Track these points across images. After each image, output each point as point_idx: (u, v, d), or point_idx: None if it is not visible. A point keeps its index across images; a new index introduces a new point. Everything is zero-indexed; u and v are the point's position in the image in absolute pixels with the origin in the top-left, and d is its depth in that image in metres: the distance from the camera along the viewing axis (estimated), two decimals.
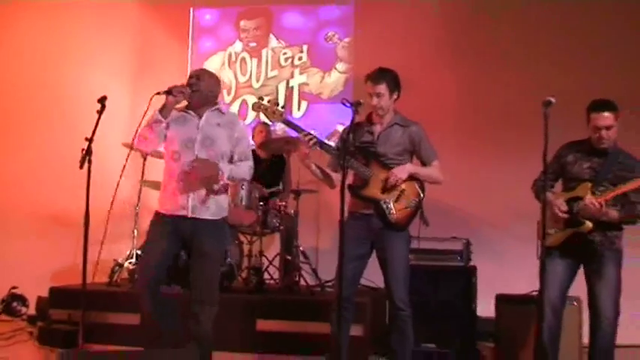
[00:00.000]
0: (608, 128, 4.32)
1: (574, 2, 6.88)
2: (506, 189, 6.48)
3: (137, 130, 4.33)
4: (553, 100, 3.88)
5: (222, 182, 4.30)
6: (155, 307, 4.31)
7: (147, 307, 4.32)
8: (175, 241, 4.36)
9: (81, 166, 4.09)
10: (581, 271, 4.51)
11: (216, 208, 4.38)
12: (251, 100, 7.34)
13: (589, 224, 4.33)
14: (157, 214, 4.42)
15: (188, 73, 7.25)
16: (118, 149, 6.00)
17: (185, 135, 4.35)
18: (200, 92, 4.35)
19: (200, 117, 4.39)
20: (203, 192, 4.31)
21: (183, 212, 4.30)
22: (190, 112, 4.41)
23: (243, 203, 6.02)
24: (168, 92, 4.23)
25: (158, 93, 4.25)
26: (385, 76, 4.53)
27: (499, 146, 6.89)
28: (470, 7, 7.16)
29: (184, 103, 4.42)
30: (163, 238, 4.33)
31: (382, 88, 4.51)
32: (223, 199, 4.46)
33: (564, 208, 4.40)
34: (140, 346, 4.40)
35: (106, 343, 5.13)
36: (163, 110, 4.26)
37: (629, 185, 4.25)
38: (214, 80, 4.54)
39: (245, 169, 4.48)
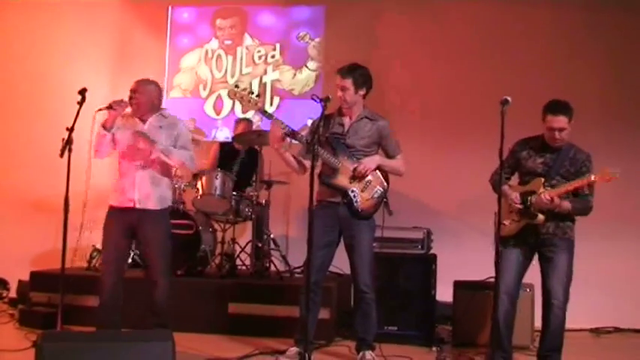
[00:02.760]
0: (561, 130, 4.39)
1: (538, 7, 7.05)
2: (465, 182, 6.59)
3: (90, 145, 4.68)
4: (509, 99, 4.10)
5: (155, 151, 4.63)
6: (114, 295, 4.70)
7: (107, 295, 4.69)
8: (125, 232, 4.73)
9: (61, 155, 4.27)
10: (535, 259, 4.59)
11: (159, 199, 4.74)
12: (226, 94, 7.30)
13: (541, 217, 4.42)
14: (110, 207, 4.78)
15: (166, 69, 7.62)
16: None
17: (131, 137, 4.71)
18: (139, 104, 4.69)
19: (144, 122, 4.76)
20: (148, 187, 4.68)
21: (130, 204, 4.67)
22: (136, 118, 4.77)
23: (217, 193, 6.12)
24: (109, 107, 4.55)
25: (100, 109, 4.56)
26: (353, 71, 4.68)
27: (461, 142, 6.97)
28: (437, 7, 7.26)
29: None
30: (116, 233, 4.71)
31: (348, 82, 4.67)
32: (166, 192, 4.81)
33: (518, 201, 4.48)
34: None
35: (84, 325, 5.14)
36: (106, 124, 4.62)
37: (575, 183, 4.34)
38: (153, 88, 4.80)
39: (184, 154, 4.77)
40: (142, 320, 4.74)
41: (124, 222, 4.69)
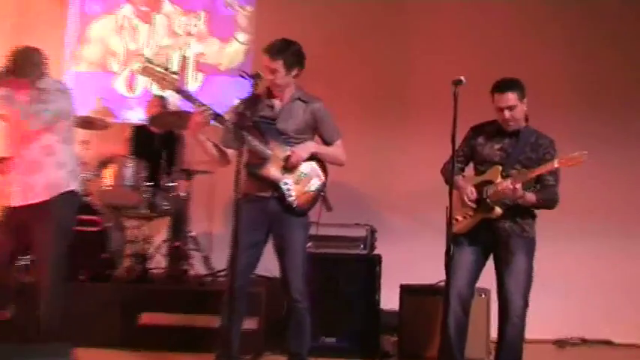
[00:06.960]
0: (510, 109, 4.30)
1: None
2: (414, 172, 6.48)
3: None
4: (463, 79, 3.90)
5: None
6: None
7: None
8: (12, 234, 4.37)
9: None
10: (490, 261, 4.45)
11: (45, 186, 4.32)
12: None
13: (498, 210, 4.27)
14: None
15: (70, 39, 7.36)
16: None
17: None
18: (10, 72, 4.31)
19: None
20: (26, 177, 4.30)
21: (12, 203, 4.36)
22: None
23: (128, 183, 5.81)
24: None
25: None
26: (284, 51, 4.38)
27: (407, 127, 6.86)
28: None
29: None
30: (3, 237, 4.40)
31: (278, 64, 4.36)
32: (54, 174, 4.36)
33: (474, 196, 4.34)
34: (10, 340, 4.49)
35: None
36: None
37: (537, 170, 4.20)
38: (28, 54, 4.42)
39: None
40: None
41: (11, 222, 4.34)
